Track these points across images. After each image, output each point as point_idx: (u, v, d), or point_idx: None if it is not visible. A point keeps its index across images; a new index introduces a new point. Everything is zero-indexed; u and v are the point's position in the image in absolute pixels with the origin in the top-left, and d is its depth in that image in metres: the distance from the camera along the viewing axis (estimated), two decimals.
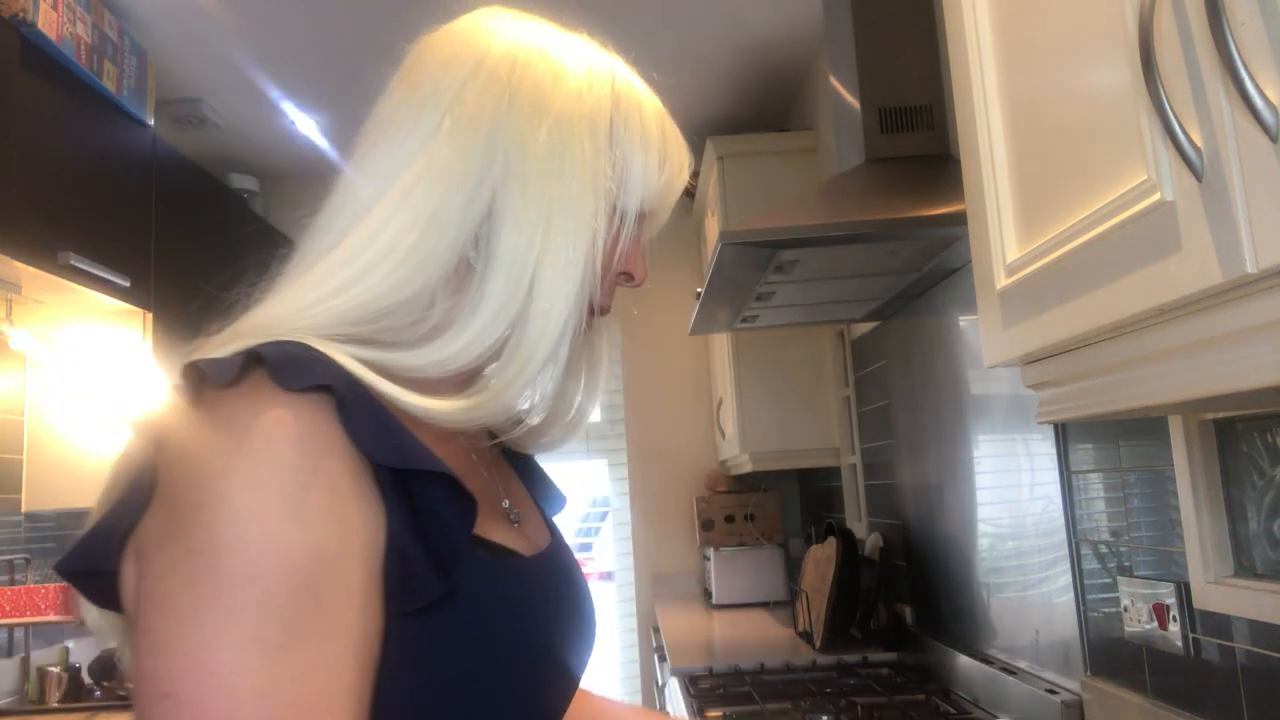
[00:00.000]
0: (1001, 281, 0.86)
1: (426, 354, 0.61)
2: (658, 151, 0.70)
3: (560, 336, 0.64)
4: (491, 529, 0.65)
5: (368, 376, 0.57)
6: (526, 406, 0.77)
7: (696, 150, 3.36)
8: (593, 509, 3.85)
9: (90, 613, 0.58)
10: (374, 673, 0.52)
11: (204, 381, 0.53)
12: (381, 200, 0.63)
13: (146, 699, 0.46)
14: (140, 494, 0.53)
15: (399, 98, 0.69)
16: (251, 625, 0.46)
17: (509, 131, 0.64)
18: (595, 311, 0.71)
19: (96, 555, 0.54)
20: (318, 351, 0.56)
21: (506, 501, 0.73)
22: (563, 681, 0.66)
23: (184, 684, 0.45)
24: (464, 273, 0.64)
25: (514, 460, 0.82)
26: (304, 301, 0.59)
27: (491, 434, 0.77)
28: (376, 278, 0.60)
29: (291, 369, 0.52)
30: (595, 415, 0.82)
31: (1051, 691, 1.54)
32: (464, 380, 0.66)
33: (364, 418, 0.54)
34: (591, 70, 0.69)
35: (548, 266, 0.63)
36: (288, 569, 0.48)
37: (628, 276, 0.73)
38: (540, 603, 0.64)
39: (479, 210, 0.64)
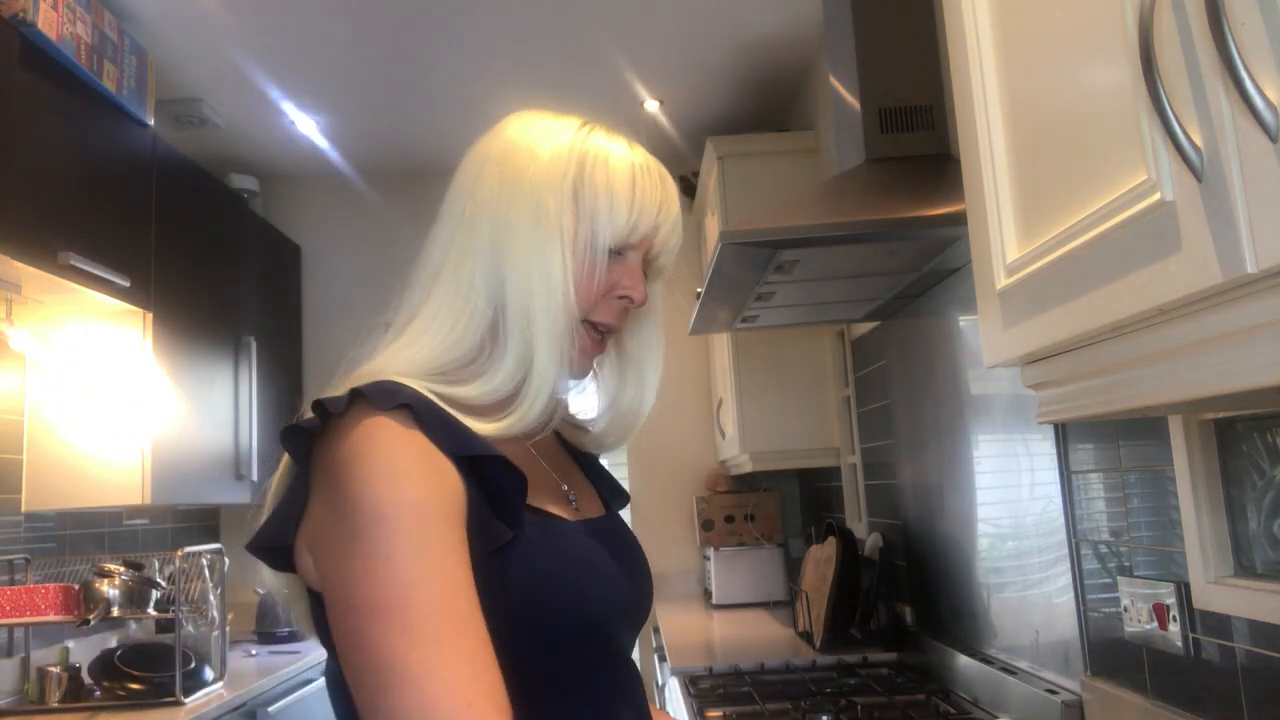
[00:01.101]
0: (1001, 281, 0.86)
1: (477, 388, 0.83)
2: (624, 197, 0.85)
3: (560, 359, 0.83)
4: (543, 501, 0.84)
5: (437, 402, 0.79)
6: (567, 411, 0.98)
7: (696, 150, 3.36)
8: None
9: (269, 576, 0.81)
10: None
11: (327, 413, 0.75)
12: (439, 279, 0.86)
13: (338, 621, 0.68)
14: (299, 491, 0.76)
15: (446, 198, 0.90)
16: (390, 547, 0.67)
17: (499, 205, 0.85)
18: (601, 331, 0.88)
19: (273, 535, 0.77)
20: (405, 386, 0.78)
21: (565, 485, 0.92)
22: (610, 608, 0.83)
23: (358, 596, 0.67)
24: (496, 324, 0.85)
25: (582, 461, 1.01)
26: (398, 358, 0.83)
27: (561, 437, 1.00)
28: (440, 337, 0.84)
29: (382, 395, 0.75)
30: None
31: (1051, 691, 1.54)
32: (506, 402, 0.84)
33: (435, 423, 0.75)
34: (561, 144, 0.86)
35: (536, 306, 0.82)
36: (405, 508, 0.69)
37: (627, 299, 0.88)
38: (580, 552, 0.83)
39: (494, 272, 0.84)
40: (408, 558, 0.67)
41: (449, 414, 0.78)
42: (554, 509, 0.85)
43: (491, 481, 0.76)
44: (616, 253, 0.87)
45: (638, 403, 0.97)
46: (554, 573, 0.78)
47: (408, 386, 0.78)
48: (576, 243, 0.84)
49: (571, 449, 1.01)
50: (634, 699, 0.87)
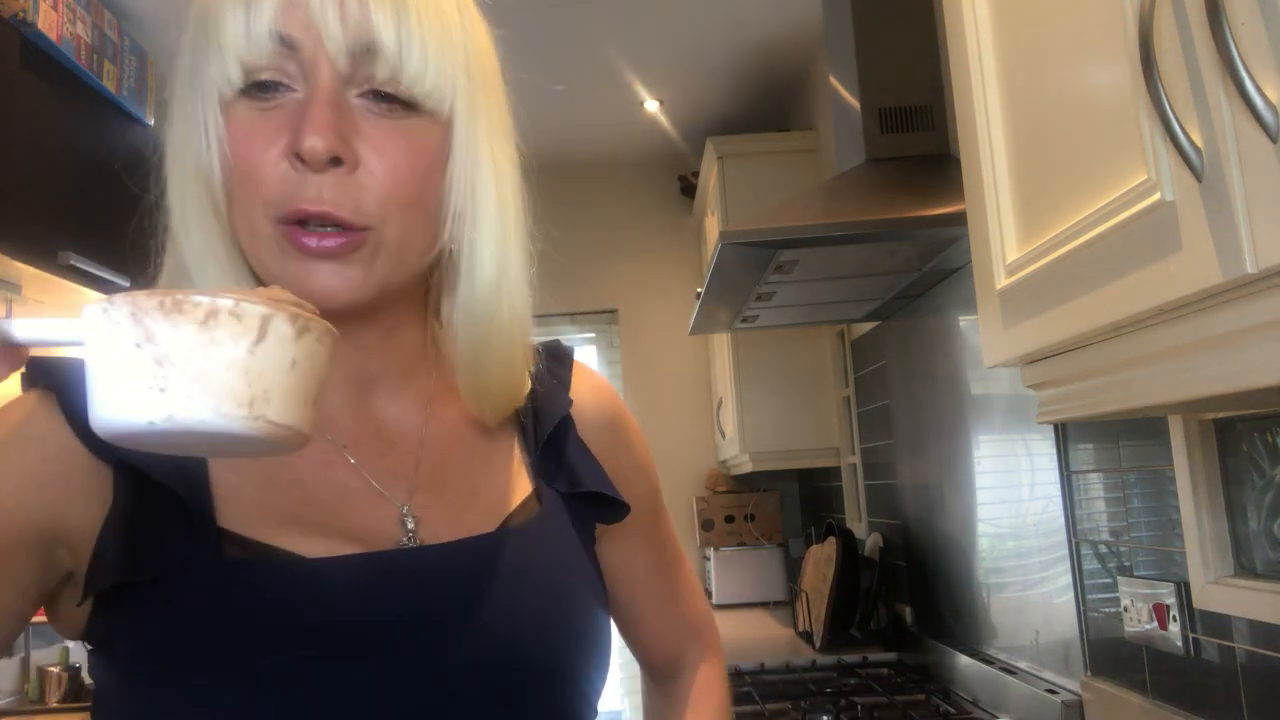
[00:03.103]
0: (1001, 281, 0.86)
1: None
2: (193, 30, 0.58)
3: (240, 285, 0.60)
4: (272, 530, 0.57)
5: None
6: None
7: (696, 150, 3.36)
8: None
9: None
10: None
11: None
12: None
13: None
14: None
15: None
16: None
17: None
18: (318, 223, 0.56)
19: None
20: None
21: (404, 499, 0.62)
22: (328, 676, 0.55)
23: None
24: None
25: (544, 456, 0.71)
26: None
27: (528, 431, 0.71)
28: None
29: (34, 372, 0.58)
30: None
31: (1051, 691, 1.54)
32: None
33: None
34: None
35: (190, 237, 0.62)
36: None
37: (296, 157, 0.55)
38: (304, 604, 0.56)
39: None
40: None
41: None
42: (280, 540, 0.57)
43: (151, 499, 0.55)
44: (256, 88, 0.56)
45: (472, 287, 0.62)
46: (221, 638, 0.54)
47: None
48: (204, 123, 0.58)
49: (558, 449, 0.72)
50: None
